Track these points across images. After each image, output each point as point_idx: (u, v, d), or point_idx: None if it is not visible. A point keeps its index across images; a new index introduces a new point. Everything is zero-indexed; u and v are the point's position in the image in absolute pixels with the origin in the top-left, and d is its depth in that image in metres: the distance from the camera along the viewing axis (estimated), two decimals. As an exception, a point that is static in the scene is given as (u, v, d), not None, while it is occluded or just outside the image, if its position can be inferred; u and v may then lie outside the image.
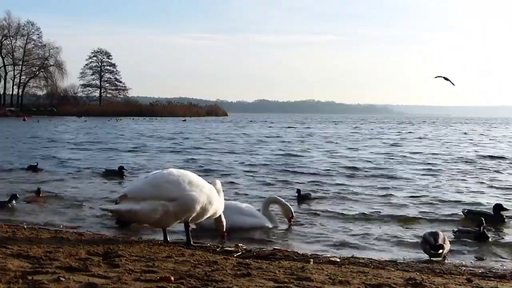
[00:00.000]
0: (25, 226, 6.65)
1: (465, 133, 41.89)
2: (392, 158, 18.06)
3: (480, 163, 16.71)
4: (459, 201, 9.43)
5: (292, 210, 7.51)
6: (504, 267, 5.62)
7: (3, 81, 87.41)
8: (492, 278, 4.84)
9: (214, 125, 56.16)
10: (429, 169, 14.70)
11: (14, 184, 10.92)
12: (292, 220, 7.48)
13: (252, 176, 13.03)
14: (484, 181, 12.26)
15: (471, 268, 5.43)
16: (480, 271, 5.26)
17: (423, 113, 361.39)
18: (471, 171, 14.48)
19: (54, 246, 5.13)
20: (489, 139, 32.53)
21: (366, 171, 14.02)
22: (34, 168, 13.05)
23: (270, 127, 53.08)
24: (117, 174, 12.21)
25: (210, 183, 5.97)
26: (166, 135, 33.35)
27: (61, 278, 3.79)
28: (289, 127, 53.29)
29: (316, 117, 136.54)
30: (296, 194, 9.51)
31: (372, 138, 32.61)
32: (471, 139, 32.23)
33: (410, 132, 42.84)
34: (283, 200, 7.66)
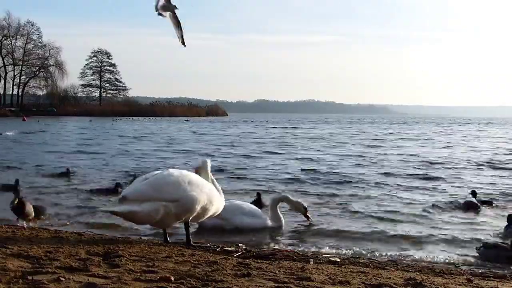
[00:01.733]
0: (25, 226, 6.66)
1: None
2: (358, 162, 17.42)
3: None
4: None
5: (305, 205, 7.42)
6: (504, 267, 5.62)
7: (3, 81, 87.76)
8: (492, 278, 4.83)
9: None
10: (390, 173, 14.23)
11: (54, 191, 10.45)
12: (308, 213, 7.35)
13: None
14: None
15: (471, 268, 5.44)
16: (480, 271, 5.27)
17: (423, 113, 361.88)
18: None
19: (54, 246, 5.12)
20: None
21: (323, 175, 13.48)
22: (66, 174, 12.57)
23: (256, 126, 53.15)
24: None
25: (200, 163, 6.05)
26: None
27: (61, 278, 3.78)
28: (274, 127, 53.55)
29: (313, 117, 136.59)
30: (256, 197, 8.75)
31: (352, 139, 32.36)
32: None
33: (395, 133, 42.67)
34: (290, 196, 7.62)
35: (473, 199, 8.98)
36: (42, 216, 7.57)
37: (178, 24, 6.66)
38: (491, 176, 13.95)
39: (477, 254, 6.03)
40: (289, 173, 13.81)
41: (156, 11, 6.45)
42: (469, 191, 9.79)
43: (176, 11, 6.47)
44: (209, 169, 6.01)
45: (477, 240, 6.73)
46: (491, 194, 10.55)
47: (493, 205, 9.17)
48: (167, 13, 6.53)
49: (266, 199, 8.43)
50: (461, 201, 9.23)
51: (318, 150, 22.47)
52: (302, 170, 14.54)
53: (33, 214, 7.23)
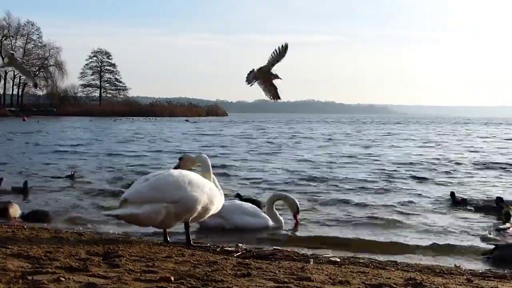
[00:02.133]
0: (25, 226, 6.66)
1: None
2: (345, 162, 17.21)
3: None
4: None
5: (298, 205, 7.45)
6: (505, 267, 5.61)
7: (3, 81, 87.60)
8: (492, 278, 4.83)
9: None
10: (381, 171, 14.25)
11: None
12: (298, 216, 7.41)
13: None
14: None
15: (471, 268, 5.43)
16: (480, 271, 5.26)
17: (423, 113, 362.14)
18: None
19: (54, 246, 5.12)
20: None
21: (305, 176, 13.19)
22: (71, 177, 12.18)
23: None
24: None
25: (196, 156, 6.10)
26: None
27: (61, 278, 3.79)
28: (272, 127, 53.58)
29: (313, 117, 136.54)
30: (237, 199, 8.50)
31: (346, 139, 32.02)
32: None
33: (393, 133, 42.40)
34: (289, 195, 7.63)
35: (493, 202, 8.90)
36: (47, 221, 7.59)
37: (272, 87, 6.92)
38: (486, 176, 13.92)
39: (485, 258, 5.89)
40: (284, 174, 13.75)
41: (248, 83, 6.65)
42: (449, 192, 9.68)
43: (277, 80, 6.76)
44: (210, 167, 6.02)
45: (475, 240, 6.75)
46: (489, 194, 10.54)
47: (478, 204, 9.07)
48: (255, 81, 6.76)
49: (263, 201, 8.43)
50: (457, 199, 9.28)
51: (315, 151, 22.38)
52: (297, 171, 14.46)
53: (18, 214, 7.40)
